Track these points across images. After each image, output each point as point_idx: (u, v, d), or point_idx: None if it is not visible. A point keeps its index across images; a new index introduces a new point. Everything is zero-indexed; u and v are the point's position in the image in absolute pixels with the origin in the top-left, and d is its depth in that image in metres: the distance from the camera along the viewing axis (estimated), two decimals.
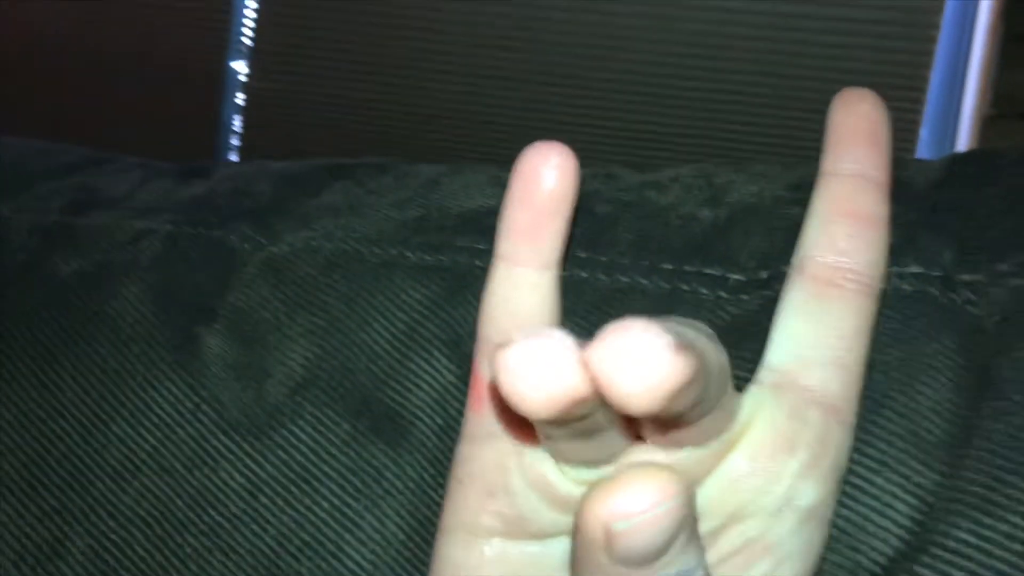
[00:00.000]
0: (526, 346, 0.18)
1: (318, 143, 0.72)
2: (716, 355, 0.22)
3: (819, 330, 0.27)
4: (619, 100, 0.68)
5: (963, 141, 0.67)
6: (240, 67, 0.76)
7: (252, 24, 0.76)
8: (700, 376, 0.19)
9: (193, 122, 0.80)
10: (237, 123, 0.80)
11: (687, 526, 0.20)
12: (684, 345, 0.18)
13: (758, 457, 0.25)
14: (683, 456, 0.25)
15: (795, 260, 0.28)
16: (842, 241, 0.27)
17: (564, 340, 0.18)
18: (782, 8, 0.68)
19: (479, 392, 0.26)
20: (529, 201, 0.25)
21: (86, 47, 0.82)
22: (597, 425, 0.21)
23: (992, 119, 0.65)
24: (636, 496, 0.19)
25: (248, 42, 0.76)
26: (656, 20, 0.68)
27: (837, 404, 0.26)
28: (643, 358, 0.17)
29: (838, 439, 0.26)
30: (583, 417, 0.20)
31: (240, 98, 0.78)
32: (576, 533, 0.20)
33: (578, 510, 0.20)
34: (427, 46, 0.74)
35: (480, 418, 0.26)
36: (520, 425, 0.25)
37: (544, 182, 0.25)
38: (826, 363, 0.26)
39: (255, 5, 0.75)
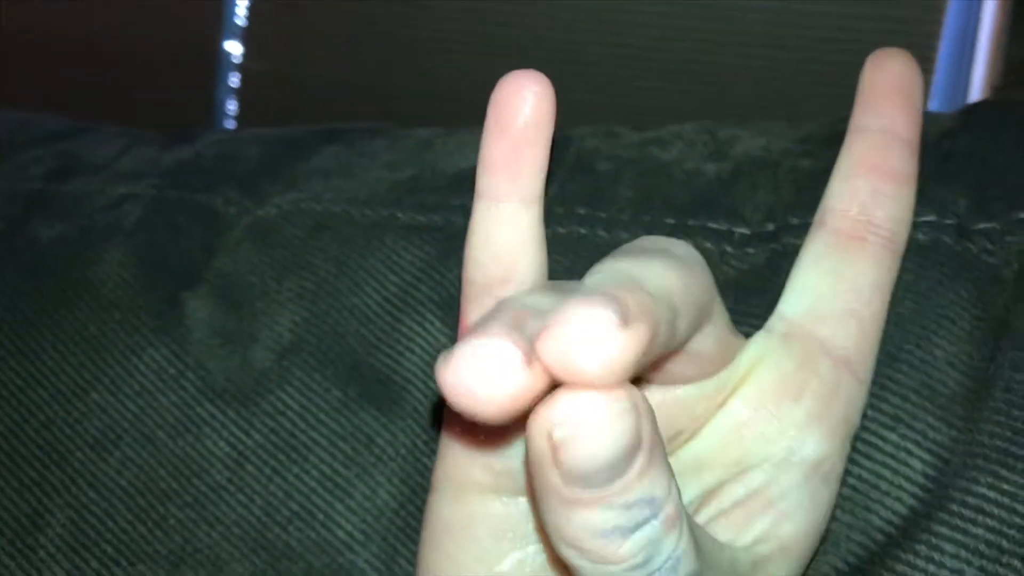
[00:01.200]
0: (464, 357, 0.17)
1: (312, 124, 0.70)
2: (687, 285, 0.21)
3: (836, 283, 0.26)
4: (623, 77, 0.67)
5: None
6: (234, 47, 0.75)
7: (246, 2, 0.75)
8: (655, 328, 0.18)
9: (185, 105, 0.79)
10: (231, 106, 0.78)
11: (645, 444, 0.18)
12: (628, 313, 0.17)
13: (763, 402, 0.25)
14: (678, 395, 0.24)
15: (817, 213, 0.28)
16: (866, 195, 0.27)
17: (503, 342, 0.17)
18: None
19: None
20: (505, 132, 0.24)
21: (73, 29, 0.81)
22: None
23: (1002, 89, 0.63)
24: (577, 398, 0.17)
25: (242, 21, 0.75)
26: (658, 14, 0.67)
27: (850, 357, 0.25)
28: (591, 345, 0.17)
29: (849, 393, 0.25)
30: None
31: (234, 80, 0.77)
32: (527, 457, 0.19)
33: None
34: (428, 25, 0.73)
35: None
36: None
37: (520, 112, 0.23)
38: (841, 316, 0.26)
39: None
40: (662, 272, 0.20)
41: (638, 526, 0.18)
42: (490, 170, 0.24)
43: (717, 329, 0.23)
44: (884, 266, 0.26)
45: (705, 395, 0.24)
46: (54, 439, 0.34)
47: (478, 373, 0.17)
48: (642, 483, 0.18)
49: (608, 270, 0.20)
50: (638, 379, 0.23)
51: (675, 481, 0.19)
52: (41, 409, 0.34)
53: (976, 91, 0.68)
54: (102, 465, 0.33)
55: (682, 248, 0.22)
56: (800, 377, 0.25)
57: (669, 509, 0.19)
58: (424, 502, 0.31)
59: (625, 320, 0.17)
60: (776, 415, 0.24)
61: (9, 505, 0.33)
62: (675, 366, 0.23)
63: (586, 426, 0.17)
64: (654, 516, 0.19)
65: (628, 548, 0.19)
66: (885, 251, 0.26)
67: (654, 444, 0.18)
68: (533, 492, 0.20)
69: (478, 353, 0.17)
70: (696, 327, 0.22)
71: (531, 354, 0.17)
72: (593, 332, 0.17)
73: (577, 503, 0.18)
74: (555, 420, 0.18)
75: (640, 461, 0.18)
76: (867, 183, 0.27)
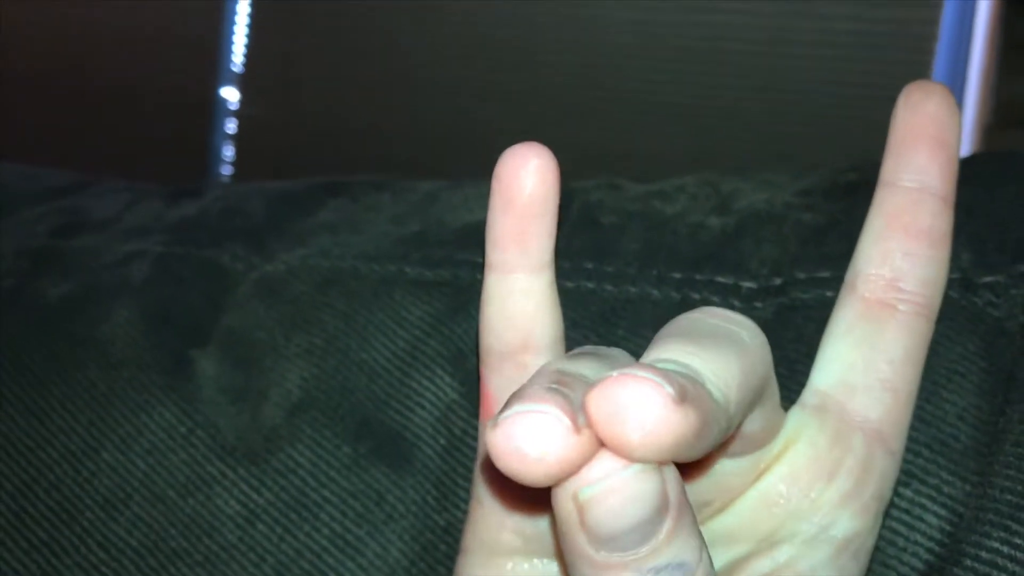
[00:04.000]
0: (516, 421, 0.17)
1: (313, 171, 0.71)
2: (746, 377, 0.20)
3: (868, 354, 0.25)
4: (618, 118, 0.68)
5: (964, 151, 0.67)
6: (230, 94, 0.75)
7: (242, 49, 0.75)
8: (707, 425, 0.18)
9: (183, 151, 0.79)
10: (228, 151, 0.79)
11: (673, 507, 0.18)
12: (686, 395, 0.17)
13: (797, 481, 0.24)
14: (716, 468, 0.24)
15: (848, 277, 0.27)
16: (898, 258, 0.25)
17: (553, 409, 0.17)
18: (775, 22, 0.67)
19: (488, 406, 0.25)
20: (512, 207, 0.24)
21: (70, 75, 0.81)
22: None
23: (993, 128, 0.64)
24: (601, 460, 0.18)
25: (238, 68, 0.75)
26: (650, 38, 0.67)
27: (883, 431, 0.25)
28: (641, 413, 0.17)
29: (882, 468, 0.25)
30: None
31: (231, 126, 0.77)
32: (556, 521, 0.19)
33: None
34: (422, 69, 0.73)
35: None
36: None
37: (525, 185, 0.24)
38: (874, 388, 0.25)
39: (245, 30, 0.75)
40: (724, 365, 0.20)
41: None
42: (500, 245, 0.24)
43: (767, 410, 0.23)
44: (917, 334, 0.25)
45: (741, 470, 0.24)
46: (63, 499, 0.34)
47: (529, 437, 0.17)
48: (671, 547, 0.18)
49: (669, 358, 0.20)
50: None
51: (706, 548, 0.19)
52: (51, 469, 0.34)
53: (967, 130, 0.69)
54: (112, 525, 0.33)
55: (747, 331, 0.22)
56: (834, 455, 0.24)
57: (699, 574, 0.19)
58: (435, 560, 0.31)
59: (681, 399, 0.17)
60: (811, 494, 0.24)
61: (18, 566, 0.33)
62: (723, 444, 0.23)
63: (611, 486, 0.17)
64: None
65: None
66: (918, 318, 0.25)
67: (682, 507, 0.18)
68: (563, 557, 0.20)
69: (529, 419, 0.17)
70: (749, 413, 0.22)
71: (577, 421, 0.17)
72: (646, 394, 0.17)
73: (606, 567, 0.18)
74: (581, 480, 0.18)
75: (668, 524, 0.18)
76: (900, 245, 0.26)
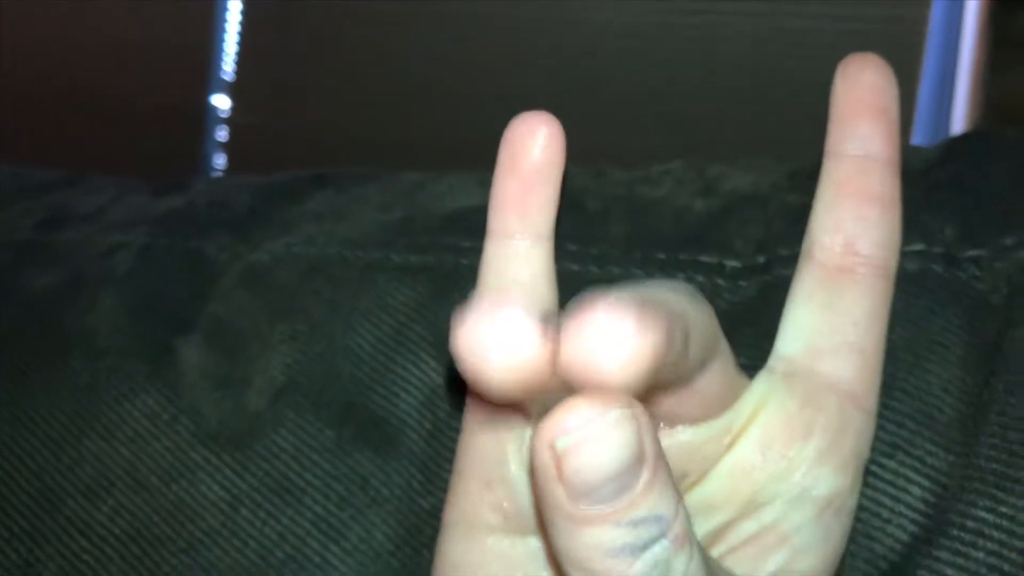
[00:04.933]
0: (482, 317, 0.17)
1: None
2: (696, 314, 0.21)
3: (831, 318, 0.26)
4: (610, 121, 0.68)
5: None
6: (221, 101, 0.75)
7: (234, 56, 0.76)
8: (672, 342, 0.18)
9: (173, 159, 0.79)
10: (219, 160, 0.79)
11: (650, 458, 0.18)
12: (652, 316, 0.17)
13: (772, 443, 0.24)
14: (683, 439, 0.24)
15: (804, 246, 0.27)
16: (850, 223, 0.26)
17: (521, 311, 0.17)
18: (765, 22, 0.68)
19: None
20: (517, 171, 0.24)
21: (60, 83, 0.81)
22: None
23: (984, 127, 0.64)
24: (577, 408, 0.17)
25: (229, 75, 0.75)
26: (642, 40, 0.68)
27: (855, 390, 0.25)
28: (611, 341, 0.17)
29: (857, 425, 0.25)
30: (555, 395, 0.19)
31: (222, 134, 0.77)
32: (532, 475, 0.19)
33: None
34: (415, 77, 0.73)
35: (479, 406, 0.25)
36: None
37: (531, 152, 0.24)
38: (841, 350, 0.25)
39: (236, 36, 0.75)
40: (673, 296, 0.20)
41: (647, 545, 0.18)
42: (501, 208, 0.25)
43: (723, 368, 0.23)
44: (877, 294, 0.26)
45: (711, 437, 0.24)
46: (46, 487, 0.33)
47: (494, 334, 0.17)
48: (648, 499, 0.18)
49: (624, 288, 0.20)
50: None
51: (683, 502, 0.19)
52: (32, 457, 0.34)
53: (958, 129, 0.69)
54: (95, 513, 0.33)
55: (686, 286, 0.22)
56: (806, 415, 0.24)
57: (678, 528, 0.19)
58: (420, 544, 0.30)
59: (644, 323, 0.17)
60: (786, 456, 0.24)
61: (1, 556, 0.33)
62: (680, 405, 0.23)
63: (588, 434, 0.17)
64: (663, 535, 0.18)
65: (638, 568, 0.18)
66: (876, 279, 0.26)
67: (658, 459, 0.18)
68: (542, 520, 0.20)
69: (497, 315, 0.17)
70: (704, 359, 0.22)
71: (546, 331, 0.17)
72: (614, 331, 0.17)
73: (584, 520, 0.18)
74: (558, 430, 0.17)
75: (645, 475, 0.18)
76: (851, 211, 0.26)
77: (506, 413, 0.24)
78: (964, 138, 0.33)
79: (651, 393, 0.22)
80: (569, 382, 0.17)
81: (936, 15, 0.64)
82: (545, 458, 0.18)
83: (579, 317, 0.17)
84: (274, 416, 0.33)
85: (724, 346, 0.23)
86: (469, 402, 0.26)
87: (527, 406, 0.23)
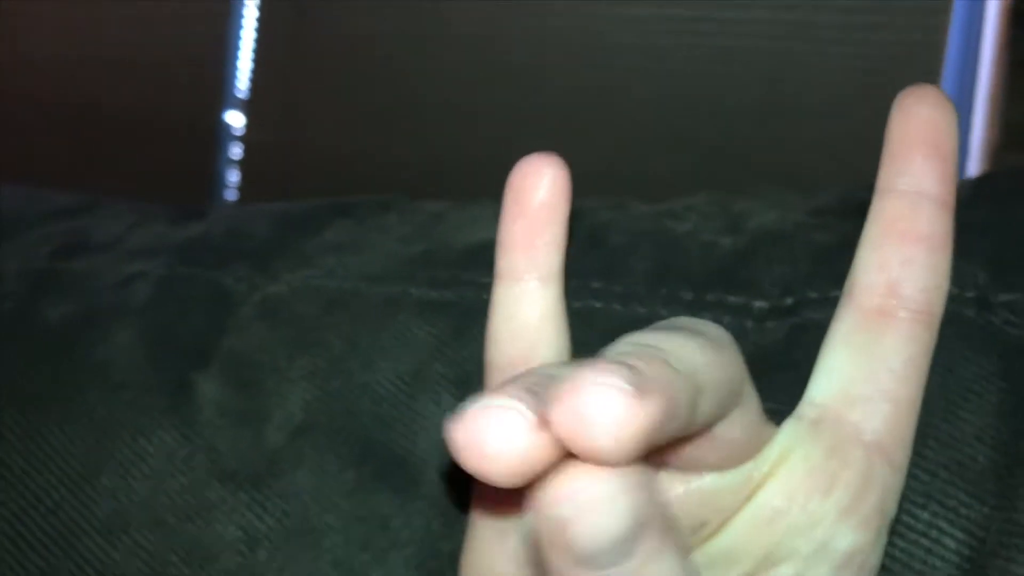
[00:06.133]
0: (475, 414, 0.17)
1: (320, 197, 0.71)
2: (712, 364, 0.20)
3: (867, 363, 0.25)
4: (624, 141, 0.68)
5: (973, 173, 0.66)
6: (235, 118, 0.75)
7: (248, 73, 0.75)
8: (672, 410, 0.18)
9: (187, 176, 0.78)
10: (233, 176, 0.78)
11: (653, 525, 0.18)
12: (649, 385, 0.17)
13: (793, 495, 0.24)
14: (702, 485, 0.24)
15: (845, 286, 0.26)
16: (895, 264, 0.25)
17: (514, 403, 0.17)
18: (781, 44, 0.67)
19: None
20: (522, 213, 0.24)
21: (74, 100, 0.81)
22: None
23: (1000, 150, 0.64)
24: (577, 473, 0.17)
25: (243, 93, 0.75)
26: (657, 61, 0.67)
27: (883, 442, 0.24)
28: (602, 413, 0.16)
29: (884, 481, 0.24)
30: None
31: (236, 151, 0.77)
32: (536, 541, 0.18)
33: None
34: (428, 95, 0.73)
35: (483, 500, 0.25)
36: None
37: (536, 193, 0.24)
38: (873, 398, 0.24)
39: (251, 53, 0.74)
40: (687, 347, 0.20)
41: None
42: (509, 250, 0.25)
43: (746, 416, 0.22)
44: (918, 342, 0.25)
45: (731, 486, 0.24)
46: (61, 525, 0.33)
47: (487, 431, 0.17)
48: (652, 565, 0.18)
49: (630, 341, 0.20)
50: (661, 464, 0.23)
51: (690, 565, 0.19)
52: (48, 494, 0.33)
53: (975, 152, 0.68)
54: (111, 551, 0.32)
55: (713, 329, 0.22)
56: (830, 468, 0.24)
57: None
58: None
59: (640, 391, 0.17)
60: (806, 509, 0.24)
61: None
62: (699, 452, 0.22)
63: (586, 502, 0.17)
64: None
65: None
66: (918, 325, 0.25)
67: (662, 527, 0.18)
68: None
69: (488, 411, 0.17)
70: (723, 410, 0.21)
71: (544, 419, 0.17)
72: (605, 400, 0.16)
73: None
74: (557, 498, 0.17)
75: (648, 541, 0.17)
76: (896, 252, 0.25)
77: (510, 504, 0.24)
78: (991, 177, 0.33)
79: (663, 445, 0.22)
80: (567, 450, 0.17)
81: (953, 38, 0.63)
82: (544, 526, 0.18)
83: (569, 388, 0.17)
84: (293, 454, 0.32)
85: (749, 392, 0.23)
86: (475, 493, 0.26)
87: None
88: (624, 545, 0.17)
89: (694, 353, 0.20)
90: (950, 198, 0.25)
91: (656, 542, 0.18)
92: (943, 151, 0.25)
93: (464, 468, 0.17)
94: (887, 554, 0.26)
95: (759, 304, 0.31)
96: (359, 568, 0.31)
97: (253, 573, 0.31)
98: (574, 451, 0.17)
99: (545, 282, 0.25)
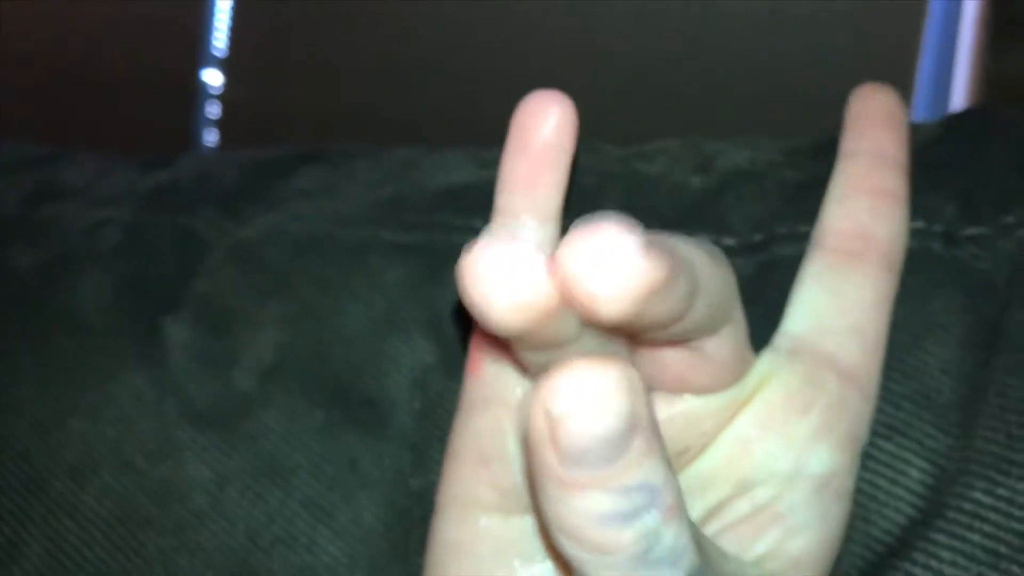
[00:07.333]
0: (492, 251, 0.17)
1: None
2: (710, 268, 0.20)
3: (838, 300, 0.26)
4: (607, 104, 0.67)
5: None
6: (213, 77, 0.74)
7: (226, 30, 0.74)
8: (674, 280, 0.18)
9: (164, 135, 0.78)
10: (211, 136, 0.78)
11: (644, 426, 0.18)
12: (657, 248, 0.17)
13: (770, 419, 0.24)
14: (687, 408, 0.24)
15: (814, 234, 0.28)
16: (864, 213, 0.27)
17: (530, 248, 0.17)
18: (766, 4, 0.67)
19: (476, 355, 0.25)
20: (526, 151, 0.24)
21: (49, 59, 0.80)
22: None
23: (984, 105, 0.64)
24: (573, 372, 0.17)
25: (221, 50, 0.74)
26: (646, 24, 0.67)
27: (855, 371, 0.25)
28: (611, 258, 0.16)
29: (855, 407, 0.25)
30: (560, 340, 0.19)
31: (214, 110, 0.76)
32: (525, 439, 0.18)
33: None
34: (411, 53, 0.72)
35: (477, 383, 0.25)
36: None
37: (541, 132, 0.24)
38: (845, 331, 0.26)
39: (229, 9, 0.74)
40: (687, 247, 0.20)
41: (637, 513, 0.18)
42: (509, 188, 0.24)
43: (735, 336, 0.23)
44: (884, 282, 0.26)
45: (714, 410, 0.24)
46: (31, 469, 0.33)
47: (503, 267, 0.17)
48: (641, 467, 0.18)
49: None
50: (650, 384, 0.23)
51: (674, 475, 0.19)
52: (18, 438, 0.33)
53: (959, 108, 0.68)
54: (80, 494, 0.32)
55: (709, 245, 0.22)
56: (807, 392, 0.25)
57: (668, 499, 0.18)
58: (410, 526, 0.30)
59: (648, 249, 0.17)
60: (783, 431, 0.24)
61: None
62: (690, 369, 0.23)
63: (583, 398, 0.17)
64: (653, 504, 0.18)
65: (628, 537, 0.18)
66: (883, 268, 0.26)
67: (652, 428, 0.18)
68: (534, 490, 0.19)
69: (507, 250, 0.17)
70: (715, 320, 0.22)
71: (554, 266, 0.17)
72: (617, 243, 0.16)
73: (575, 486, 0.18)
74: (552, 394, 0.17)
75: (638, 443, 0.18)
76: (862, 203, 0.27)
77: (510, 357, 0.23)
78: (963, 115, 0.33)
79: (660, 346, 0.22)
80: (567, 300, 0.17)
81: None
82: (539, 422, 0.17)
83: (584, 228, 0.16)
84: (262, 396, 0.32)
85: (739, 315, 0.23)
86: (467, 382, 0.25)
87: (527, 363, 0.22)
88: (614, 445, 0.17)
89: (693, 253, 0.20)
90: (906, 164, 0.28)
91: (644, 446, 0.18)
92: (899, 124, 0.29)
93: (470, 301, 0.17)
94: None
95: (728, 241, 0.31)
96: (328, 506, 0.31)
97: (222, 512, 0.31)
98: (576, 298, 0.17)
99: (543, 222, 0.25)
